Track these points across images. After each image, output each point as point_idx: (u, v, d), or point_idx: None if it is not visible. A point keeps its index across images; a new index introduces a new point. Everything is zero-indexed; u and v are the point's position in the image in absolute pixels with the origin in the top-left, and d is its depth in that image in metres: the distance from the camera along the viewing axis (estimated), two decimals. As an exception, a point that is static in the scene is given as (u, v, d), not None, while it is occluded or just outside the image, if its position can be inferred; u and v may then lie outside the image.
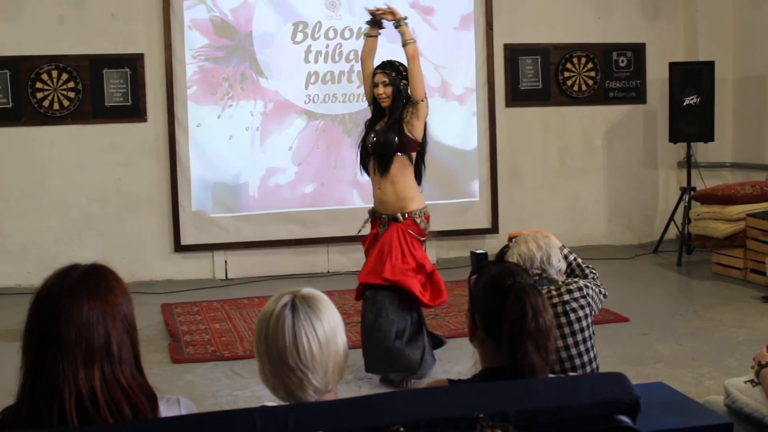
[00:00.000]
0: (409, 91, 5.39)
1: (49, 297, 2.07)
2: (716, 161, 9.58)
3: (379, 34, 5.64)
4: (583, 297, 3.54)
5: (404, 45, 5.41)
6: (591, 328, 3.59)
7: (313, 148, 8.72)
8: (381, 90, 5.38)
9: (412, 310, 5.43)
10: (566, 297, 3.53)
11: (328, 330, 2.19)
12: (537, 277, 3.57)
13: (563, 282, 3.60)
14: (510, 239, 3.80)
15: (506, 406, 2.12)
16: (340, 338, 2.22)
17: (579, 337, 3.52)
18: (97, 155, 8.43)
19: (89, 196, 8.45)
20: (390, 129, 5.34)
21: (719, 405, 3.60)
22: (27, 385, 2.06)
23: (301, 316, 2.18)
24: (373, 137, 5.41)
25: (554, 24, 9.43)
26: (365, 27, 5.75)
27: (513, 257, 3.60)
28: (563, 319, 3.50)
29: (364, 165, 5.55)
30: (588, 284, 3.61)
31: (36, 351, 2.05)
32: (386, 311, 5.32)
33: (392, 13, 5.52)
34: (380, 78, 5.40)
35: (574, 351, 3.50)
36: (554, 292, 3.55)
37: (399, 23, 5.47)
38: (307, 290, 2.26)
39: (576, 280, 3.63)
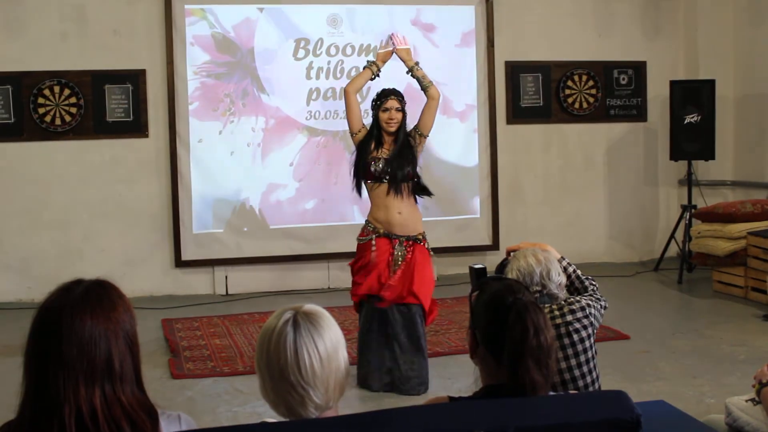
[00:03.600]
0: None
1: (52, 313, 2.06)
2: (717, 179, 9.59)
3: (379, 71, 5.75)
4: (586, 317, 3.49)
5: (427, 87, 5.65)
6: (593, 348, 3.55)
7: (314, 164, 8.74)
8: (394, 115, 5.52)
9: None
10: (569, 317, 3.47)
11: (330, 347, 2.18)
12: (537, 294, 3.53)
13: (565, 301, 3.54)
14: (508, 253, 3.77)
15: (507, 424, 2.11)
16: (342, 355, 2.22)
17: (582, 357, 3.46)
18: (99, 171, 8.44)
19: (90, 212, 8.45)
20: (413, 157, 5.57)
21: (720, 424, 3.60)
22: (28, 401, 2.05)
23: (302, 333, 2.17)
24: (389, 164, 5.52)
25: (555, 41, 9.46)
26: (374, 54, 5.85)
27: (512, 272, 3.55)
28: (566, 340, 3.44)
29: (368, 188, 5.64)
30: (590, 303, 3.55)
31: (37, 367, 2.04)
32: (420, 327, 5.59)
33: (408, 52, 5.75)
34: (394, 104, 5.55)
35: (577, 372, 3.45)
36: (557, 312, 3.49)
37: (413, 69, 5.68)
38: (309, 306, 2.25)
39: (578, 298, 3.56)
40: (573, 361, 3.44)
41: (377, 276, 5.51)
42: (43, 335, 2.05)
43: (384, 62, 5.73)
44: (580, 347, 3.45)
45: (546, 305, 3.51)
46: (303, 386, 2.14)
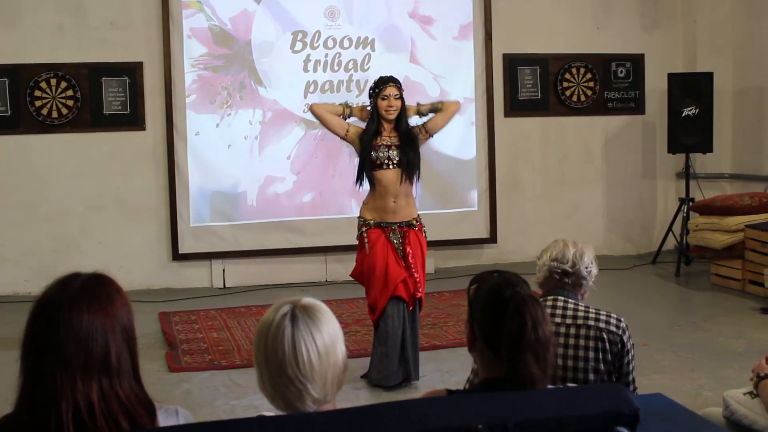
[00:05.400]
0: (422, 122, 5.70)
1: (49, 307, 2.06)
2: (715, 172, 9.58)
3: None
4: (619, 336, 3.38)
5: (443, 102, 5.81)
6: (616, 366, 3.40)
7: (312, 157, 8.72)
8: (393, 102, 5.49)
9: None
10: (602, 325, 3.38)
11: (328, 341, 2.18)
12: (569, 279, 3.48)
13: (607, 312, 3.45)
14: None
15: (505, 417, 2.11)
16: (340, 349, 2.21)
17: (601, 366, 3.35)
18: (96, 163, 8.43)
19: (87, 205, 8.44)
20: (417, 148, 5.58)
21: (718, 417, 3.60)
22: (25, 395, 2.05)
23: (300, 327, 2.17)
24: (396, 154, 5.51)
25: (553, 34, 9.44)
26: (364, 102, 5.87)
27: (546, 254, 3.53)
28: (592, 343, 3.36)
29: (369, 178, 5.58)
30: (629, 335, 3.43)
31: (34, 361, 2.04)
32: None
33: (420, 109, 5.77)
34: (393, 91, 5.51)
35: (592, 376, 3.36)
36: (592, 315, 3.41)
37: (419, 109, 5.71)
38: (308, 300, 2.25)
39: (620, 318, 3.46)
40: (592, 364, 3.34)
41: (392, 277, 5.49)
42: (41, 329, 2.04)
43: (360, 114, 5.67)
44: (601, 355, 3.36)
45: (580, 306, 3.44)
46: (301, 380, 2.14)
